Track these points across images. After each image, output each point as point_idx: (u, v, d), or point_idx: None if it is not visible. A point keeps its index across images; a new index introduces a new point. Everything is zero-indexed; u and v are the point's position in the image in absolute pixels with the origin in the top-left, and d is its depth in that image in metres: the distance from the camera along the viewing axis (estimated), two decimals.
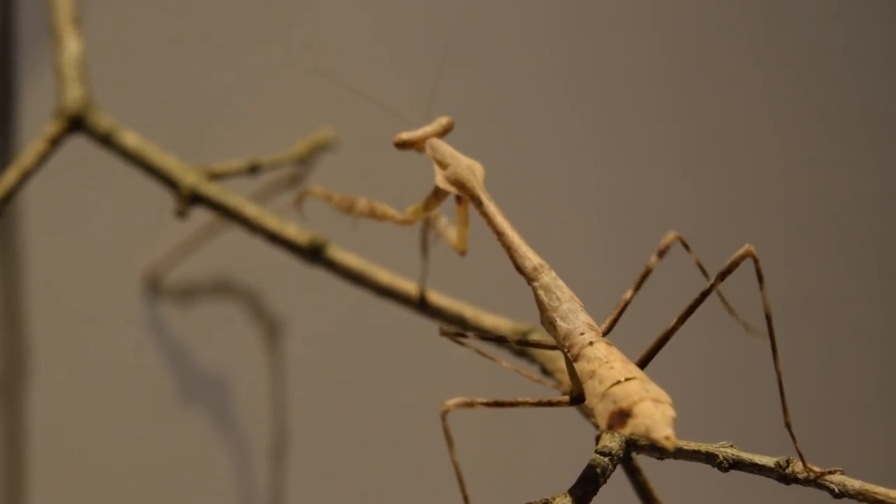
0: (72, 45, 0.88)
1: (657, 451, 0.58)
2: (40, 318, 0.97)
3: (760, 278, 0.56)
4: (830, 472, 0.56)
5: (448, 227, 0.68)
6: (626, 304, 0.60)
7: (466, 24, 1.09)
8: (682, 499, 0.84)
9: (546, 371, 0.70)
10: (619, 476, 0.60)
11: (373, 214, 0.68)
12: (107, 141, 0.86)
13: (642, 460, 0.61)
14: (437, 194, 0.64)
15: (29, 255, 0.97)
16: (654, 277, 0.61)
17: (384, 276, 0.79)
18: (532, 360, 0.71)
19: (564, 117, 1.13)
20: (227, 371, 1.02)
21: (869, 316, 1.22)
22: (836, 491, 0.56)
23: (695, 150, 1.17)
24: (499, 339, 0.67)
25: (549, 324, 0.57)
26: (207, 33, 1.02)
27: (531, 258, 0.59)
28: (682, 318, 0.57)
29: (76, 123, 0.86)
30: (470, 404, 0.53)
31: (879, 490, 0.55)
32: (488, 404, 0.54)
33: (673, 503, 0.65)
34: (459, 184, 0.61)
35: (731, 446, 0.58)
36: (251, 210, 0.83)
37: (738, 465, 0.57)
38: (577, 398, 0.57)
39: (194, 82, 1.01)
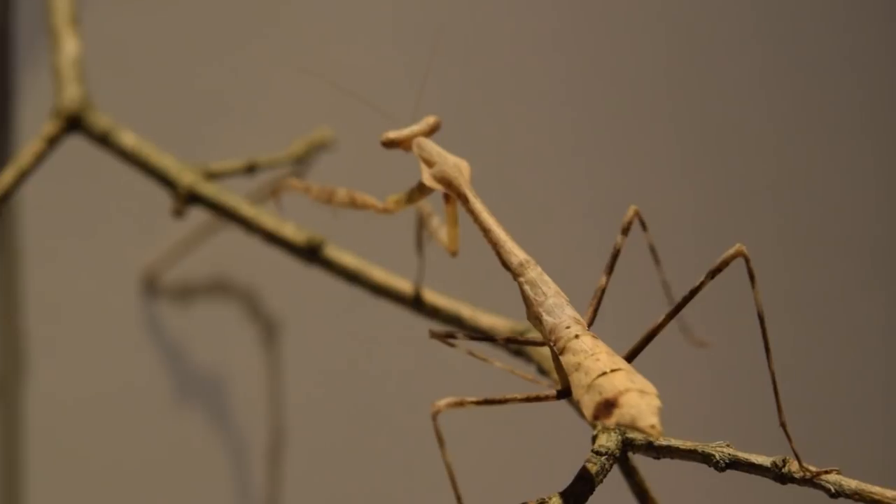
0: (69, 45, 0.88)
1: (654, 450, 0.58)
2: (37, 317, 0.97)
3: (752, 278, 0.56)
4: (827, 472, 0.56)
5: (440, 227, 0.68)
6: (603, 291, 0.60)
7: (462, 23, 1.09)
8: (679, 499, 0.84)
9: (543, 371, 0.70)
10: (615, 476, 0.60)
11: (353, 204, 0.67)
12: (104, 141, 0.86)
13: (639, 460, 0.61)
14: (422, 189, 0.64)
15: (26, 255, 0.97)
16: (646, 275, 0.60)
17: (380, 274, 0.79)
18: (529, 359, 0.71)
19: (553, 116, 1.12)
20: (224, 370, 1.02)
21: (864, 314, 1.22)
22: (833, 491, 0.55)
23: (686, 148, 1.17)
24: (489, 339, 0.67)
25: (535, 319, 0.57)
26: (205, 33, 1.02)
27: (517, 254, 0.59)
28: (670, 316, 0.57)
29: (74, 123, 0.86)
30: (460, 403, 0.53)
31: (876, 490, 0.55)
32: (479, 403, 0.54)
33: (669, 503, 0.65)
34: (446, 182, 0.61)
35: (728, 446, 0.58)
36: (248, 210, 0.83)
37: (734, 464, 0.57)
38: (563, 392, 0.57)
39: (192, 82, 1.01)
